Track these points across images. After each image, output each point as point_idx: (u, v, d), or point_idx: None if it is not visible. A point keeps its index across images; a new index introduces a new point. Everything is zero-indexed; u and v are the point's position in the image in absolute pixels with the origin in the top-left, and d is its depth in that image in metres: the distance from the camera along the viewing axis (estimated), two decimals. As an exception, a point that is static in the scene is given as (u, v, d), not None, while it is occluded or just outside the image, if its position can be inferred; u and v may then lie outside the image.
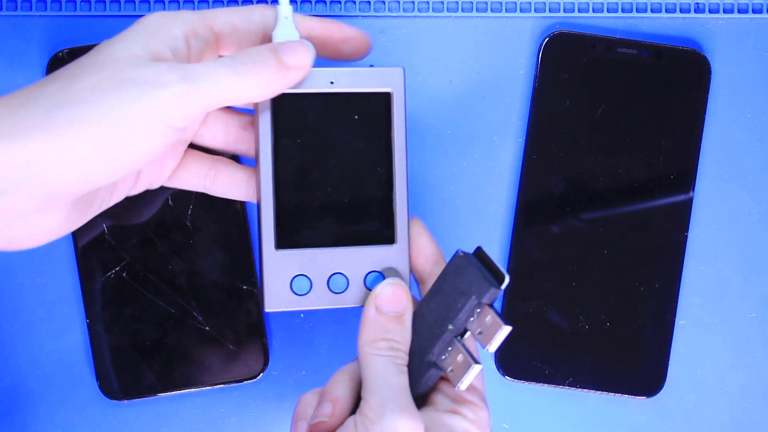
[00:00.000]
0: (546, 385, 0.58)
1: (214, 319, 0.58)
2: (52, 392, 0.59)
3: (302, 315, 0.60)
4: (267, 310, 0.49)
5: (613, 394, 0.58)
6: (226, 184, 0.50)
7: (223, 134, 0.50)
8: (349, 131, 0.50)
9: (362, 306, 0.48)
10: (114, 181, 0.46)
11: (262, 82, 0.44)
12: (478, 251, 0.46)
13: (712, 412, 0.60)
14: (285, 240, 0.49)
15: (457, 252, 0.47)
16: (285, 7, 0.48)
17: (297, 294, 0.49)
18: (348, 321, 0.60)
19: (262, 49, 0.44)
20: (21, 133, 0.40)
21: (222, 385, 0.59)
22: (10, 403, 0.59)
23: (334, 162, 0.50)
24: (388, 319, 0.46)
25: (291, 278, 0.49)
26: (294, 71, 0.45)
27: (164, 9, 0.60)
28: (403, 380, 0.45)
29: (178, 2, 0.60)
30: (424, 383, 0.46)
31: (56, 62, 0.58)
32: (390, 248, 0.50)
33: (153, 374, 0.58)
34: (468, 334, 0.46)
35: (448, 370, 0.46)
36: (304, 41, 0.46)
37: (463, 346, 0.46)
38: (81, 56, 0.43)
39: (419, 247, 0.49)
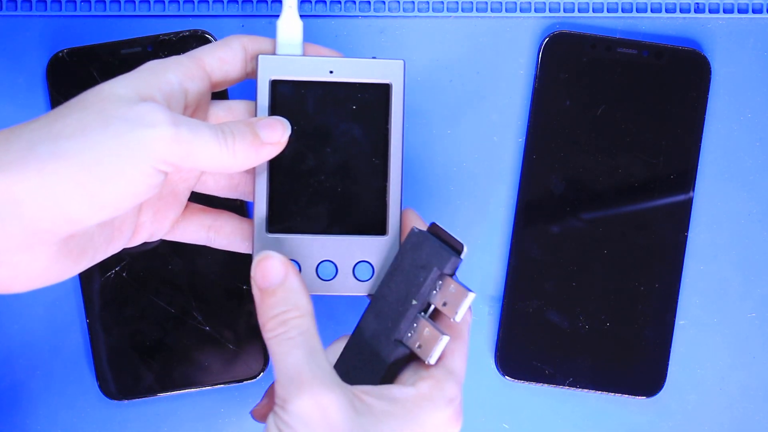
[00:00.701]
0: (546, 385, 0.58)
1: (214, 319, 0.58)
2: (52, 392, 0.59)
3: (302, 315, 0.59)
4: None
5: (613, 394, 0.58)
6: (231, 236, 0.50)
7: (226, 179, 0.50)
8: (347, 121, 0.50)
9: (350, 295, 0.48)
10: (109, 230, 0.45)
11: (238, 155, 0.44)
12: (433, 226, 0.46)
13: (712, 412, 0.60)
14: (276, 224, 0.49)
15: (412, 229, 0.46)
16: None
17: None
18: (347, 320, 0.60)
19: (241, 124, 0.44)
20: (1, 168, 0.39)
21: (222, 385, 0.59)
22: (10, 403, 0.59)
23: (330, 150, 0.50)
24: (270, 294, 0.43)
25: None
26: (269, 147, 0.45)
27: (164, 8, 0.60)
28: (299, 355, 0.42)
29: (178, 2, 0.60)
30: (393, 363, 0.45)
31: (56, 62, 0.58)
32: (381, 239, 0.49)
33: (153, 374, 0.58)
34: (432, 307, 0.46)
35: (416, 346, 0.45)
36: (281, 118, 0.46)
37: (429, 320, 0.45)
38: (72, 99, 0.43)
39: None
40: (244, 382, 0.59)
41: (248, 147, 0.44)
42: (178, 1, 0.60)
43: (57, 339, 0.59)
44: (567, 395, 0.59)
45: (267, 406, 0.47)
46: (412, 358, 0.46)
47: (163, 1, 0.60)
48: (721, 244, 0.60)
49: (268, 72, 0.49)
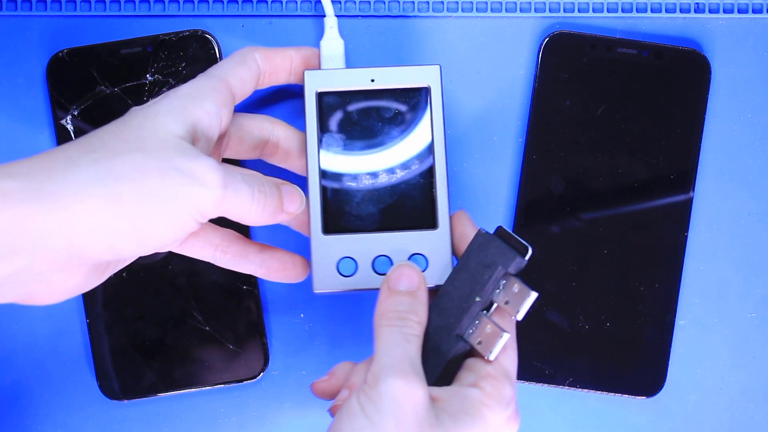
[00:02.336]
0: (546, 385, 0.58)
1: (214, 319, 0.58)
2: (52, 392, 0.59)
3: (302, 315, 0.60)
4: (316, 291, 0.52)
5: (613, 394, 0.58)
6: (236, 257, 0.52)
7: None
8: (390, 124, 0.54)
9: None
10: None
11: (263, 217, 0.47)
12: (500, 229, 0.48)
13: (712, 412, 0.60)
14: (331, 225, 0.53)
15: (479, 231, 0.49)
16: (330, 19, 0.57)
17: (343, 275, 0.53)
18: (347, 321, 0.60)
19: (272, 186, 0.48)
20: (59, 199, 0.41)
21: (222, 385, 0.59)
22: (10, 402, 0.59)
23: (377, 153, 0.54)
24: (400, 294, 0.47)
25: (337, 261, 0.53)
26: (286, 216, 0.49)
27: (164, 8, 0.60)
28: (408, 349, 0.45)
29: (178, 2, 0.60)
30: (453, 358, 0.47)
31: (56, 62, 0.58)
32: (432, 233, 0.53)
33: (153, 374, 0.58)
34: (495, 306, 0.48)
35: (476, 342, 0.47)
36: (300, 190, 0.50)
37: (491, 318, 0.47)
38: (119, 121, 0.45)
39: (461, 234, 0.51)
40: (244, 382, 0.59)
41: (273, 212, 0.48)
42: (178, 1, 0.60)
43: (57, 339, 0.59)
44: (567, 395, 0.59)
45: (328, 383, 0.50)
46: (470, 356, 0.48)
47: (163, 1, 0.60)
48: (721, 244, 0.60)
49: (314, 85, 0.54)
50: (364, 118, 0.54)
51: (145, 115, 0.45)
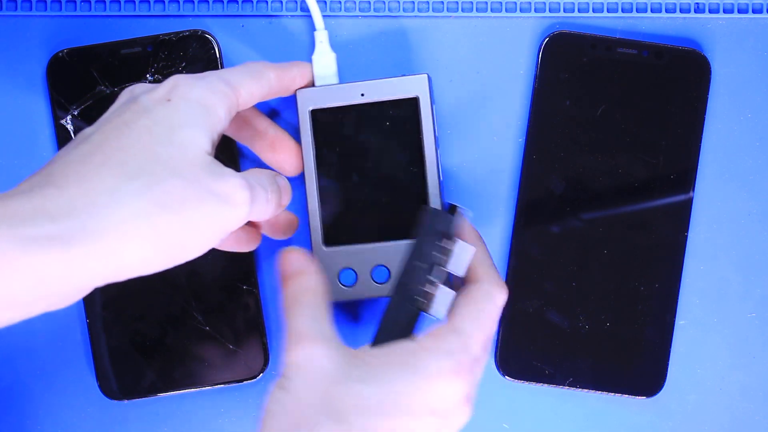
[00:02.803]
0: (546, 385, 0.58)
1: (214, 319, 0.58)
2: (52, 392, 0.59)
3: (302, 315, 0.59)
4: None
5: (613, 394, 0.58)
6: (238, 235, 0.53)
7: None
8: (382, 136, 0.55)
9: None
10: None
11: (267, 214, 0.48)
12: (443, 204, 0.52)
13: (712, 412, 0.60)
14: (331, 238, 0.56)
15: (422, 208, 0.50)
16: (321, 33, 0.57)
17: (344, 285, 0.55)
18: (347, 321, 0.60)
19: (274, 182, 0.48)
20: (102, 240, 0.40)
21: (222, 385, 0.59)
22: (10, 403, 0.59)
23: (371, 165, 0.56)
24: (289, 278, 0.49)
25: (338, 271, 0.55)
26: (281, 208, 0.49)
27: (164, 8, 0.60)
28: (304, 315, 0.46)
29: (178, 2, 0.60)
30: (406, 323, 0.48)
31: (56, 62, 0.58)
32: None
33: (153, 374, 0.58)
34: (436, 268, 0.49)
35: (424, 305, 0.48)
36: (288, 182, 0.51)
37: (436, 279, 0.48)
38: (142, 128, 0.44)
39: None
40: (244, 382, 0.59)
41: (275, 208, 0.48)
42: (178, 1, 0.60)
43: (57, 339, 0.59)
44: (567, 395, 0.59)
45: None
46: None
47: (163, 1, 0.60)
48: (721, 244, 0.60)
49: (307, 104, 0.55)
50: (357, 132, 0.55)
51: (170, 126, 0.44)
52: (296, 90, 0.55)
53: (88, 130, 0.45)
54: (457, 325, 0.47)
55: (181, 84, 0.46)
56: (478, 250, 0.49)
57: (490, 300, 0.48)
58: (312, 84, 0.56)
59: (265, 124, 0.55)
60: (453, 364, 0.45)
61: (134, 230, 0.41)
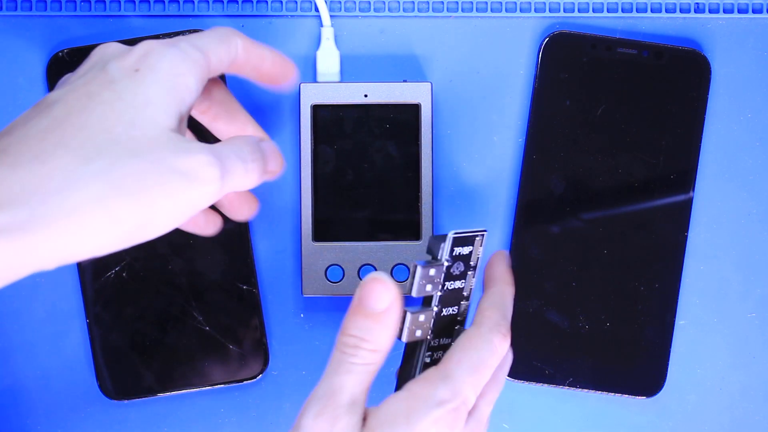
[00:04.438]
0: (546, 385, 0.58)
1: (214, 319, 0.58)
2: (52, 392, 0.59)
3: (302, 315, 0.60)
4: (305, 295, 0.57)
5: (613, 394, 0.58)
6: (188, 225, 0.53)
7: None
8: (381, 138, 0.56)
9: None
10: None
11: (252, 180, 0.46)
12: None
13: (712, 412, 0.60)
14: (321, 234, 0.56)
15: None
16: (327, 29, 0.58)
17: (331, 282, 0.56)
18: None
19: (257, 150, 0.46)
20: (55, 225, 0.38)
21: (222, 385, 0.59)
22: (10, 403, 0.59)
23: (367, 166, 0.56)
24: (364, 316, 0.44)
25: (326, 267, 0.56)
26: (270, 175, 0.47)
27: (164, 8, 0.60)
28: (346, 381, 0.43)
29: (178, 2, 0.60)
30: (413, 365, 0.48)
31: (56, 62, 0.58)
32: (416, 244, 0.56)
33: (153, 374, 0.58)
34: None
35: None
36: (277, 149, 0.48)
37: (418, 311, 0.46)
38: (107, 107, 0.41)
39: (490, 275, 0.51)
40: (244, 382, 0.59)
41: (258, 177, 0.46)
42: (178, 1, 0.60)
43: (57, 339, 0.59)
44: (567, 395, 0.59)
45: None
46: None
47: (163, 1, 0.60)
48: (721, 244, 0.60)
49: (309, 98, 0.56)
50: (356, 132, 0.56)
51: (134, 103, 0.42)
52: (300, 83, 0.55)
53: (52, 96, 0.42)
54: (448, 370, 0.45)
55: (152, 52, 0.44)
56: (496, 293, 0.49)
57: (488, 346, 0.47)
58: (296, 80, 0.54)
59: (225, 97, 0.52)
60: (444, 414, 0.44)
61: (89, 216, 0.39)
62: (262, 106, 0.59)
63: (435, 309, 0.47)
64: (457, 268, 0.47)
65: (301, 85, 0.56)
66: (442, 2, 0.60)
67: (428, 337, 0.47)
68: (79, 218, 0.39)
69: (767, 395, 0.60)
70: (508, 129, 0.60)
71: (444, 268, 0.46)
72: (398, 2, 0.60)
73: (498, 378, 0.48)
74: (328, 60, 0.58)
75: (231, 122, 0.52)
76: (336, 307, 0.59)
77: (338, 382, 0.43)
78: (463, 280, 0.48)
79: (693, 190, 0.59)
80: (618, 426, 0.60)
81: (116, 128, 0.41)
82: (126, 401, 0.59)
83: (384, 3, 0.60)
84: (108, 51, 0.45)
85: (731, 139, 0.60)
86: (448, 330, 0.48)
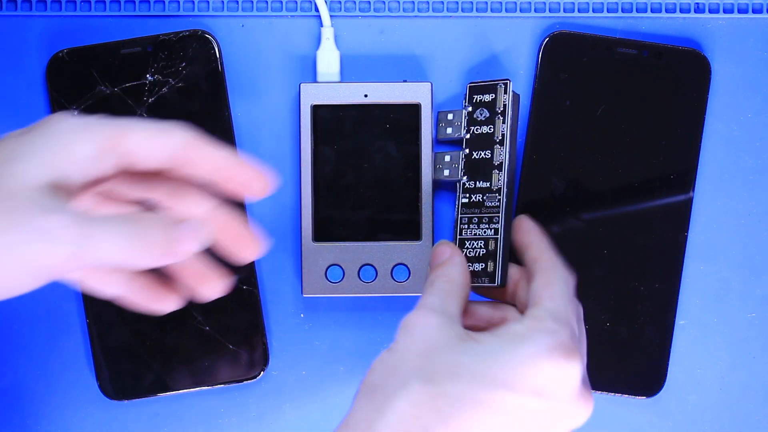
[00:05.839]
0: (546, 385, 0.58)
1: (214, 319, 0.58)
2: (52, 392, 0.59)
3: (302, 315, 0.60)
4: (305, 295, 0.57)
5: (613, 394, 0.58)
6: (133, 295, 0.47)
7: None
8: (381, 138, 0.56)
9: (389, 295, 0.56)
10: None
11: (148, 259, 0.42)
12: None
13: (712, 412, 0.60)
14: (321, 234, 0.57)
15: None
16: (327, 29, 0.58)
17: (331, 282, 0.57)
18: (348, 322, 0.60)
19: (158, 230, 0.42)
20: None
21: (222, 385, 0.59)
22: (10, 403, 0.59)
23: (367, 166, 0.56)
24: (435, 268, 0.49)
25: (326, 268, 0.56)
26: (181, 256, 0.43)
27: (164, 8, 0.60)
28: (431, 299, 0.47)
29: (178, 2, 0.60)
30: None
31: (56, 62, 0.58)
32: (416, 244, 0.56)
33: (153, 374, 0.58)
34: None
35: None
36: (199, 224, 0.43)
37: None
38: None
39: (524, 244, 0.51)
40: (244, 382, 0.59)
41: (161, 256, 0.42)
42: (178, 1, 0.60)
43: (57, 339, 0.59)
44: (567, 395, 0.59)
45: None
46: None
47: (163, 1, 0.60)
48: (721, 244, 0.60)
49: (309, 98, 0.56)
50: (356, 132, 0.56)
51: (9, 158, 0.41)
52: (300, 83, 0.56)
53: None
54: (549, 306, 0.46)
55: (52, 118, 0.43)
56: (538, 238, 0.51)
57: (567, 282, 0.48)
58: (270, 192, 0.48)
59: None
60: (559, 344, 0.44)
61: None
62: (261, 106, 0.59)
63: (464, 152, 0.53)
64: (481, 114, 0.52)
65: (301, 85, 0.57)
66: (442, 2, 0.60)
67: (460, 177, 0.53)
68: None
69: (767, 395, 0.60)
70: (508, 129, 0.60)
71: (465, 113, 0.53)
72: (398, 2, 0.60)
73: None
74: (328, 60, 0.58)
75: (179, 202, 0.47)
76: (336, 307, 0.59)
77: (425, 300, 0.47)
78: (491, 125, 0.52)
79: (693, 190, 0.59)
80: (618, 426, 0.60)
81: None
82: (126, 401, 0.59)
83: (384, 3, 0.60)
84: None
85: (731, 139, 0.60)
86: (484, 173, 0.52)
